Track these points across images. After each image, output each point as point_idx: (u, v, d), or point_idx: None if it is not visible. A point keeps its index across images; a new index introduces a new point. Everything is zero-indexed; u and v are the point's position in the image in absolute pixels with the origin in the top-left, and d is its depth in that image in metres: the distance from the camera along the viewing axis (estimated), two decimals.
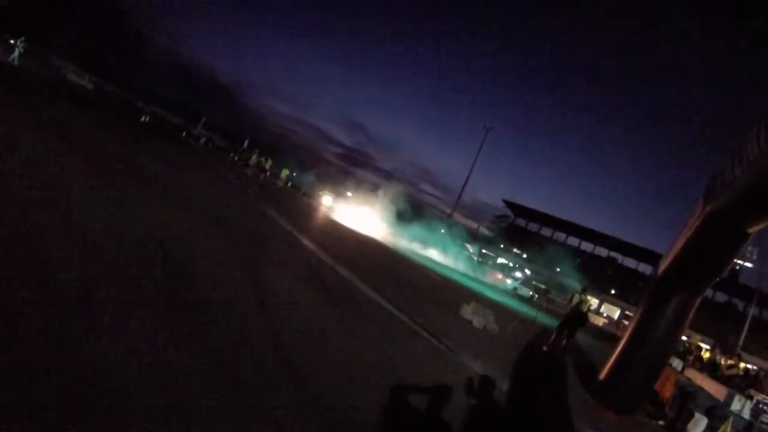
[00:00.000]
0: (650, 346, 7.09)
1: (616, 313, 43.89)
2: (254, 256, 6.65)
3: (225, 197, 11.97)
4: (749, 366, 26.24)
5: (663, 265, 7.17)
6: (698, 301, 6.86)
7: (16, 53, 23.55)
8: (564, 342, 10.03)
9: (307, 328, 4.57)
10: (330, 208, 26.55)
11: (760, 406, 8.11)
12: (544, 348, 9.99)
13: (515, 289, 32.26)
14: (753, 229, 5.37)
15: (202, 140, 42.45)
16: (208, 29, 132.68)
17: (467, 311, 10.02)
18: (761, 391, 10.33)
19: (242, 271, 5.52)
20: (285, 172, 28.78)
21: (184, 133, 42.29)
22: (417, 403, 3.80)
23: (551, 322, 13.18)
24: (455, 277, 21.34)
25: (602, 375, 7.74)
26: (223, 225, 7.68)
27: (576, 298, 10.31)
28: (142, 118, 31.31)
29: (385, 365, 4.51)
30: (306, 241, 10.44)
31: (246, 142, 38.54)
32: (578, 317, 10.14)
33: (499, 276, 34.67)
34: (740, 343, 22.20)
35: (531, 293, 30.18)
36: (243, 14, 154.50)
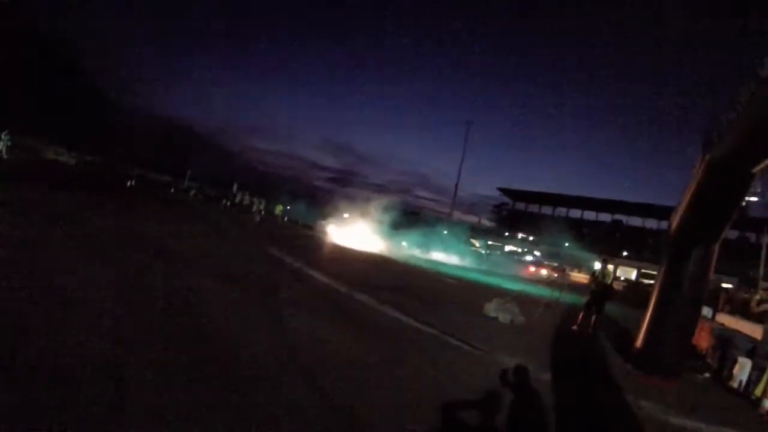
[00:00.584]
0: (679, 303, 7.22)
1: (633, 274, 43.97)
2: (270, 302, 6.69)
3: (226, 247, 12.04)
4: None
5: (675, 220, 7.32)
6: (717, 247, 7.01)
7: (2, 146, 23.98)
8: (593, 318, 10.10)
9: (343, 365, 4.62)
10: (332, 235, 26.73)
11: None
12: (574, 328, 10.06)
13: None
14: (756, 169, 5.58)
15: (192, 192, 42.67)
16: (176, 82, 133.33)
17: (490, 309, 10.10)
18: None
19: (263, 321, 5.56)
20: (279, 208, 28.95)
21: (172, 190, 42.56)
22: (470, 417, 3.89)
23: (575, 299, 13.27)
24: (469, 276, 21.43)
25: (638, 342, 7.83)
26: (231, 278, 7.70)
27: (598, 272, 10.42)
28: (128, 183, 31.50)
29: (430, 386, 4.56)
30: (316, 274, 10.56)
31: (235, 186, 38.65)
32: (604, 291, 10.24)
33: (532, 269, 34.49)
34: (761, 274, 22.24)
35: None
36: (208, 60, 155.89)
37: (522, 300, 12.69)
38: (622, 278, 39.99)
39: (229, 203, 35.35)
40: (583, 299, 10.85)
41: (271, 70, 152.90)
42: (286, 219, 30.79)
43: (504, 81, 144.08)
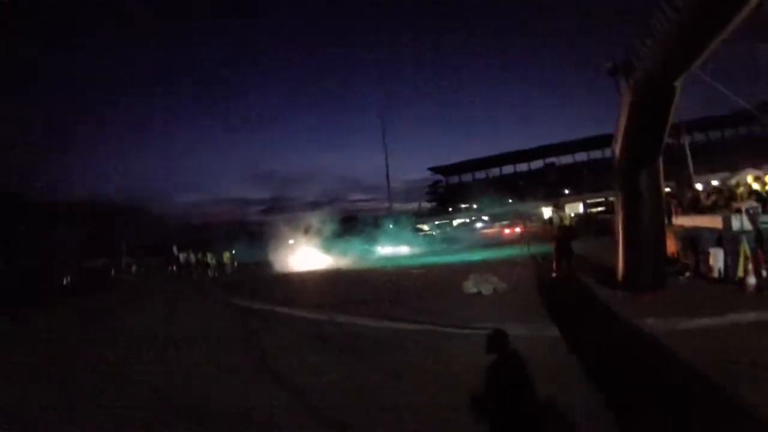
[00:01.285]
0: (644, 222, 7.74)
1: (579, 208, 46.73)
2: (259, 359, 6.45)
3: (189, 317, 11.38)
4: (713, 184, 28.96)
5: (617, 148, 7.80)
6: (660, 162, 7.56)
7: None
8: (567, 261, 10.61)
9: (338, 392, 4.64)
10: (284, 264, 26.54)
11: (751, 212, 8.98)
12: (554, 275, 10.51)
13: None
14: (678, 81, 6.09)
15: (133, 269, 40.43)
16: (76, 159, 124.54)
17: (470, 285, 10.27)
18: (740, 198, 11.52)
19: (264, 383, 5.35)
20: (226, 256, 27.87)
21: (112, 272, 40.13)
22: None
23: (544, 248, 13.83)
24: (431, 260, 21.73)
25: (620, 268, 8.32)
26: (206, 349, 7.32)
27: (556, 220, 10.95)
28: (63, 281, 29.11)
29: (446, 384, 4.58)
30: (289, 310, 10.36)
31: (175, 248, 36.83)
32: (566, 234, 10.78)
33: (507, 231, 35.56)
34: (691, 171, 24.38)
35: None
36: (105, 130, 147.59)
37: (495, 266, 13.09)
38: (572, 214, 42.28)
39: (174, 267, 33.74)
40: (550, 247, 11.36)
41: (172, 124, 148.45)
42: (236, 264, 29.78)
43: (411, 62, 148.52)
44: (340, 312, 9.32)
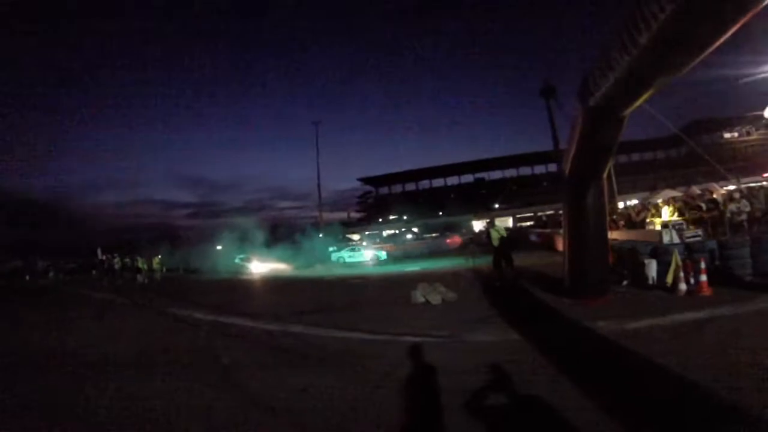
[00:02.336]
0: (589, 234, 8.72)
1: (509, 222, 49.52)
2: (217, 377, 6.34)
3: (130, 332, 10.44)
4: (632, 203, 31.99)
5: (567, 164, 8.73)
6: (604, 180, 8.61)
7: None
8: (510, 269, 11.62)
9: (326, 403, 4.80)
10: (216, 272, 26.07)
11: (676, 228, 10.42)
12: (497, 284, 11.43)
13: None
14: (625, 113, 7.06)
15: (51, 274, 36.96)
16: None
17: (418, 295, 10.79)
18: (670, 213, 13.18)
19: (234, 400, 5.21)
20: (156, 261, 26.48)
21: (27, 277, 36.38)
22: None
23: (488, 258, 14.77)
24: (368, 270, 22.24)
25: (566, 276, 9.30)
26: (163, 372, 6.94)
27: (494, 233, 11.92)
28: None
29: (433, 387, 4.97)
30: (235, 320, 10.19)
31: (99, 251, 34.33)
32: (504, 244, 11.83)
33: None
34: (615, 189, 26.78)
35: None
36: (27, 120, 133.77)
37: (440, 276, 13.82)
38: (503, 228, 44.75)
39: (98, 272, 31.46)
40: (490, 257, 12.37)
41: (96, 121, 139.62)
42: (165, 270, 28.46)
43: (344, 71, 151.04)
44: (292, 322, 9.47)
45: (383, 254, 28.71)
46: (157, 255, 27.16)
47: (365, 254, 28.96)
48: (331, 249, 32.72)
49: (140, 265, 25.49)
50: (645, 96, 6.31)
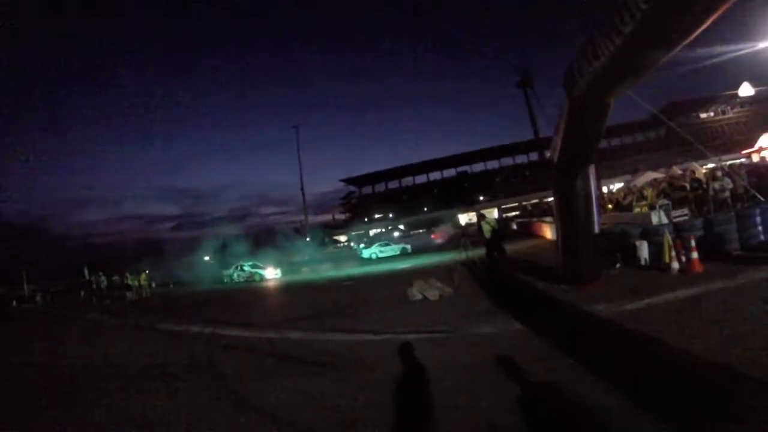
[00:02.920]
0: (580, 218, 8.90)
1: (494, 214, 49.90)
2: (225, 390, 6.31)
3: (127, 350, 10.35)
4: (615, 187, 32.55)
5: (555, 153, 8.90)
6: (592, 166, 8.78)
7: None
8: (502, 259, 11.79)
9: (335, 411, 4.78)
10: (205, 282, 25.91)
11: (664, 208, 10.69)
12: (491, 275, 11.60)
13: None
14: (611, 100, 7.20)
15: (38, 298, 36.19)
16: None
17: (415, 292, 10.92)
18: (651, 197, 13.49)
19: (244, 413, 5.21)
20: (143, 277, 25.95)
21: (14, 303, 35.57)
22: None
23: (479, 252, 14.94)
24: (358, 271, 22.25)
25: (560, 263, 9.47)
26: (165, 386, 6.90)
27: (485, 226, 12.07)
28: None
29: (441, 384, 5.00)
30: (232, 332, 10.12)
31: (86, 270, 33.68)
32: (496, 236, 11.96)
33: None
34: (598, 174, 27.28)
35: None
36: None
37: (434, 272, 13.95)
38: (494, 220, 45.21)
39: (86, 292, 30.91)
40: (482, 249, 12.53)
41: (68, 138, 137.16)
42: (154, 285, 28.06)
43: (321, 78, 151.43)
44: (290, 329, 9.48)
45: (408, 247, 30.43)
46: (144, 271, 26.68)
47: (394, 248, 30.32)
48: (361, 246, 33.52)
49: (130, 281, 25.12)
50: (632, 83, 6.47)
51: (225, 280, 27.12)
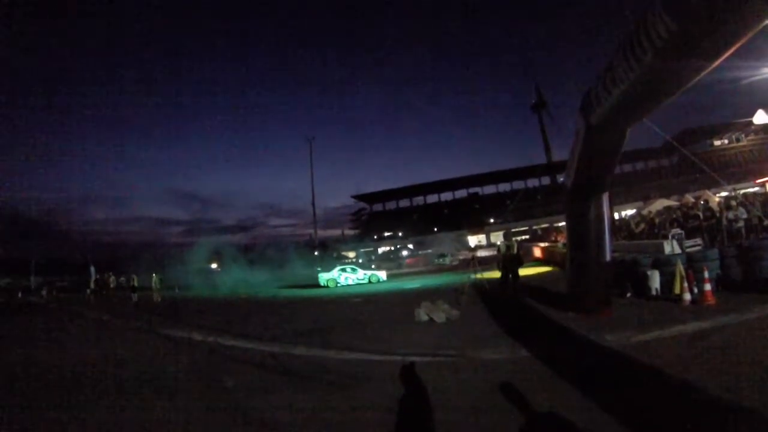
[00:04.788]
0: (591, 245, 8.83)
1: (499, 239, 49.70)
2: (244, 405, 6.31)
3: (132, 354, 10.28)
4: (627, 213, 32.37)
5: (570, 177, 8.87)
6: (607, 193, 8.74)
7: None
8: (513, 284, 11.70)
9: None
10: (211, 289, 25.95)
11: (676, 237, 10.59)
12: (500, 299, 11.52)
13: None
14: (628, 127, 7.25)
15: (44, 291, 36.54)
16: None
17: (422, 314, 10.84)
18: (661, 226, 13.38)
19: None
20: (155, 279, 25.82)
21: (19, 294, 35.95)
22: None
23: (489, 273, 14.88)
24: (367, 289, 22.18)
25: (570, 291, 9.40)
26: (170, 396, 6.87)
27: (503, 247, 12.03)
28: None
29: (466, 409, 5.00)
30: (238, 343, 10.03)
31: (92, 268, 33.91)
32: (512, 259, 11.90)
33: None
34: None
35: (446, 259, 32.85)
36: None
37: (442, 294, 13.86)
38: (498, 242, 45.05)
39: (90, 291, 31.10)
40: (496, 271, 12.43)
41: (92, 133, 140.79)
42: (162, 287, 28.02)
43: (336, 94, 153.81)
44: (294, 343, 9.42)
45: (381, 276, 27.87)
46: (157, 272, 26.46)
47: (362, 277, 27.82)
48: (318, 269, 32.09)
49: (135, 283, 25.21)
50: (651, 110, 6.47)
51: (324, 285, 25.71)
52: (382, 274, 27.05)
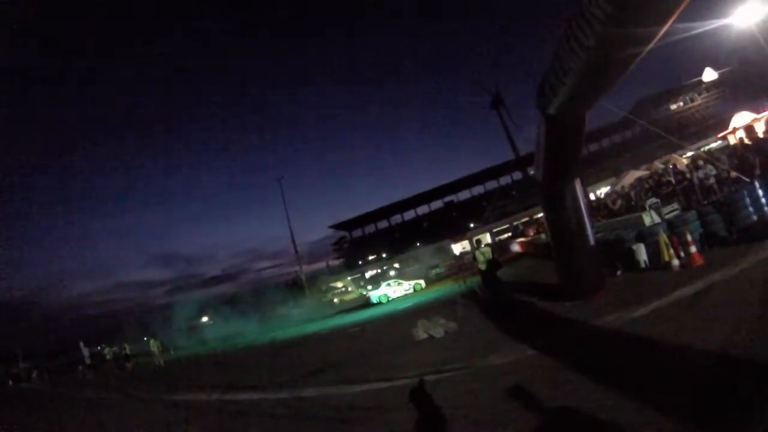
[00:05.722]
0: (573, 233, 8.91)
1: (487, 238, 50.04)
2: None
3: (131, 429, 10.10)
4: (602, 191, 32.95)
5: (539, 170, 8.98)
6: (579, 178, 8.87)
7: None
8: (497, 286, 11.79)
9: None
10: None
11: (654, 207, 10.81)
12: (492, 303, 11.55)
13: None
14: (586, 111, 7.36)
15: (34, 375, 35.40)
16: None
17: (420, 332, 10.82)
18: (637, 198, 13.65)
19: None
20: (153, 343, 24.85)
21: (10, 382, 34.79)
22: None
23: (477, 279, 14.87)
24: (361, 317, 22.03)
25: (560, 279, 9.46)
26: None
27: (479, 256, 12.10)
28: None
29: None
30: (242, 396, 9.83)
31: (81, 345, 33.05)
32: (491, 265, 12.00)
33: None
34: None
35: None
36: None
37: (437, 309, 13.84)
38: (483, 244, 45.33)
39: (83, 367, 30.20)
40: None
41: (60, 209, 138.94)
42: (161, 350, 27.02)
43: (299, 130, 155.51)
44: (302, 386, 9.24)
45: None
46: (154, 337, 25.70)
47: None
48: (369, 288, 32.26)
49: (128, 352, 24.53)
50: (606, 92, 6.60)
51: (375, 302, 26.64)
52: (422, 282, 28.31)
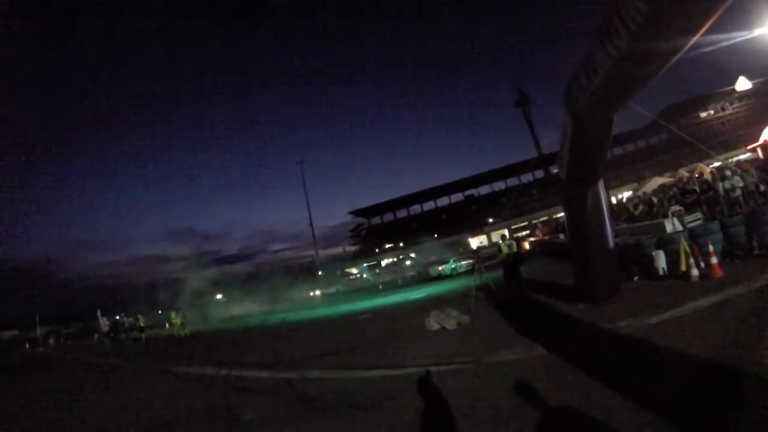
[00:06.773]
0: (593, 235, 8.77)
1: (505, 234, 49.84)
2: None
3: (136, 395, 10.25)
4: (624, 196, 32.42)
5: (563, 169, 8.84)
6: (602, 180, 8.72)
7: None
8: (516, 281, 11.72)
9: None
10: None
11: (676, 215, 10.60)
12: (508, 299, 11.51)
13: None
14: (614, 113, 7.20)
15: (51, 341, 36.38)
16: None
17: (433, 323, 10.79)
18: (659, 205, 13.39)
19: None
20: (174, 317, 24.97)
21: (27, 345, 35.83)
22: None
23: (493, 274, 14.80)
24: (375, 304, 22.08)
25: (577, 282, 9.37)
26: None
27: (504, 248, 12.06)
28: None
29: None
30: (257, 374, 9.91)
31: (99, 313, 33.83)
32: (514, 259, 11.95)
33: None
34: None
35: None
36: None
37: (451, 301, 13.81)
38: (508, 237, 45.27)
39: (99, 335, 30.96)
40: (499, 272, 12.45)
41: (81, 180, 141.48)
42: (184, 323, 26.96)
43: (323, 114, 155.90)
44: (309, 368, 9.32)
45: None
46: (177, 309, 25.84)
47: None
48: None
49: (142, 323, 24.99)
50: (635, 93, 6.46)
51: (444, 273, 30.24)
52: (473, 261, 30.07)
